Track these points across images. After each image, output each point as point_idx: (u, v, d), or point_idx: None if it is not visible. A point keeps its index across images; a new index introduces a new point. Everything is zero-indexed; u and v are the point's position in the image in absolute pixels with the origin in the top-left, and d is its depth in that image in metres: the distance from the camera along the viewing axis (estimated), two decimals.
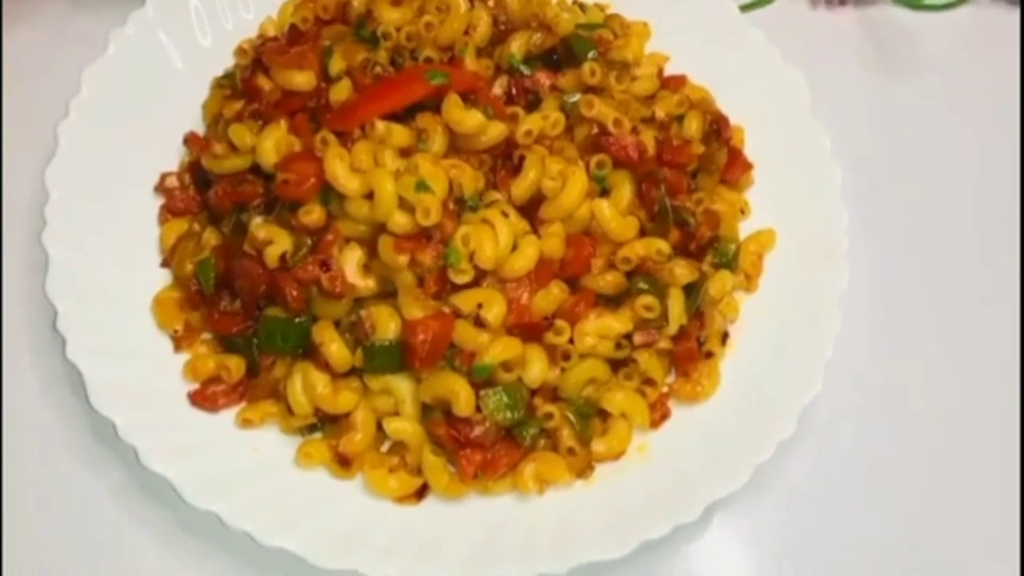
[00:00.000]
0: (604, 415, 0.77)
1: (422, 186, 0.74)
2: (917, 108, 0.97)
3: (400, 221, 0.74)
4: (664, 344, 0.78)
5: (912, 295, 0.87)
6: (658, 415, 0.77)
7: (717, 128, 0.86)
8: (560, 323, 0.75)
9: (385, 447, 0.76)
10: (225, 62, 0.90)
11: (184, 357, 0.78)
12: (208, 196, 0.81)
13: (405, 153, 0.78)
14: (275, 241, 0.75)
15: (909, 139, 0.95)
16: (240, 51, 0.90)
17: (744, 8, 1.00)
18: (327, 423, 0.75)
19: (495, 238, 0.74)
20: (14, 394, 0.80)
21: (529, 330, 0.75)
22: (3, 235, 0.86)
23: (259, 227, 0.76)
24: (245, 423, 0.75)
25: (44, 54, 0.95)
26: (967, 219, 0.92)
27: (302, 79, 0.82)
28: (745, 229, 0.86)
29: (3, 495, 0.76)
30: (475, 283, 0.75)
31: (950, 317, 0.87)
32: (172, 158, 0.86)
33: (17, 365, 0.81)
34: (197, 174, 0.84)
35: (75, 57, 0.90)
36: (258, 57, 0.84)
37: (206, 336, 0.79)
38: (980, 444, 0.81)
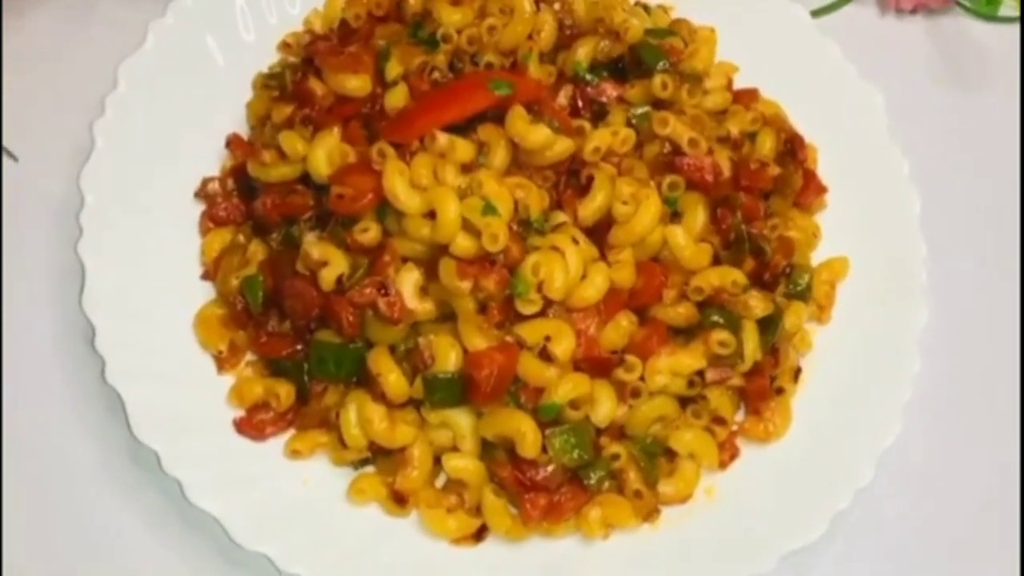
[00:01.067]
0: (670, 454, 0.73)
1: (489, 209, 0.70)
2: (991, 126, 0.93)
3: (464, 245, 0.70)
4: (736, 380, 0.74)
5: (994, 331, 0.83)
6: (727, 455, 0.74)
7: (792, 148, 0.81)
8: (631, 359, 0.71)
9: (440, 481, 0.72)
10: (269, 57, 0.84)
11: (227, 378, 0.73)
12: (254, 206, 0.76)
13: (465, 168, 0.74)
14: (331, 262, 0.71)
15: (981, 159, 0.91)
16: (284, 45, 0.85)
17: (812, 14, 0.95)
18: (380, 455, 0.71)
19: (565, 267, 0.69)
20: (43, 409, 0.75)
21: (598, 365, 0.70)
22: (31, 236, 0.81)
23: (313, 246, 0.71)
24: (294, 454, 0.71)
25: (70, 39, 0.89)
26: None
27: (357, 84, 0.77)
28: (816, 253, 0.81)
29: (35, 522, 0.72)
30: (541, 312, 0.70)
31: None
32: (213, 160, 0.81)
33: (48, 380, 0.76)
34: (241, 180, 0.79)
35: (102, 42, 0.85)
36: (309, 58, 0.79)
37: (251, 356, 0.74)
38: None
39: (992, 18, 0.98)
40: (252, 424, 0.71)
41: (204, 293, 0.76)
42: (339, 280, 0.70)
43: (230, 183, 0.79)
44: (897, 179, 0.82)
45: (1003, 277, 0.86)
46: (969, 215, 0.88)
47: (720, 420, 0.74)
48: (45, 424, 0.75)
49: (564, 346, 0.69)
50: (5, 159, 0.83)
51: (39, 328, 0.78)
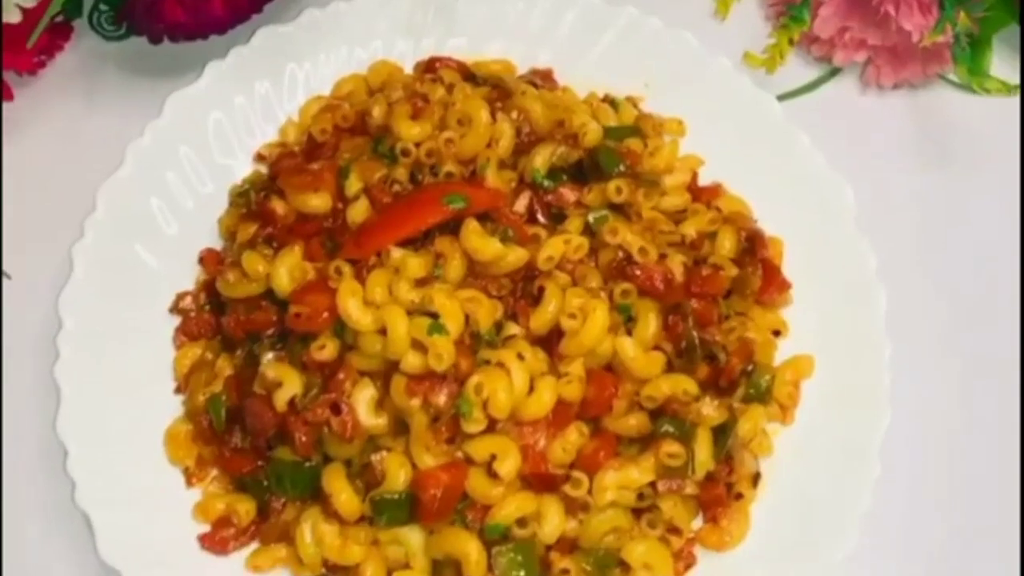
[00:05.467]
0: (624, 566, 0.73)
1: (435, 328, 0.71)
2: (976, 213, 0.90)
3: (413, 363, 0.72)
4: (690, 489, 0.74)
5: (962, 441, 0.81)
6: (682, 565, 0.74)
7: (751, 246, 0.81)
8: (577, 475, 0.71)
9: None
10: (246, 169, 0.87)
11: (195, 493, 0.76)
12: (222, 322, 0.79)
13: (422, 280, 0.76)
14: (284, 383, 0.73)
15: (965, 249, 0.89)
16: (258, 156, 0.88)
17: (788, 95, 0.95)
18: (338, 571, 0.73)
19: (509, 385, 0.71)
20: (21, 527, 0.79)
21: (545, 481, 0.71)
22: (9, 358, 0.84)
23: (269, 366, 0.74)
24: (255, 570, 0.74)
25: (58, 157, 0.92)
26: None
27: (318, 202, 0.79)
28: (782, 349, 0.81)
29: None
30: (489, 427, 0.72)
31: (1007, 470, 0.80)
32: (190, 275, 0.84)
33: (26, 498, 0.80)
34: (213, 294, 0.82)
35: (91, 160, 0.87)
36: (273, 176, 0.82)
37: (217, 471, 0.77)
38: None
39: (978, 91, 0.96)
40: (215, 540, 0.74)
41: (178, 407, 0.79)
42: (292, 400, 0.73)
43: (203, 298, 0.82)
44: (864, 275, 0.81)
45: (974, 377, 0.84)
46: (943, 308, 0.86)
47: (675, 529, 0.74)
48: (20, 539, 0.79)
49: (508, 465, 0.70)
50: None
51: (23, 444, 0.81)
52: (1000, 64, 0.97)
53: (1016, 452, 0.81)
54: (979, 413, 0.82)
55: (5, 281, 0.87)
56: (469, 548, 0.69)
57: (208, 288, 0.82)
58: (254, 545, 0.75)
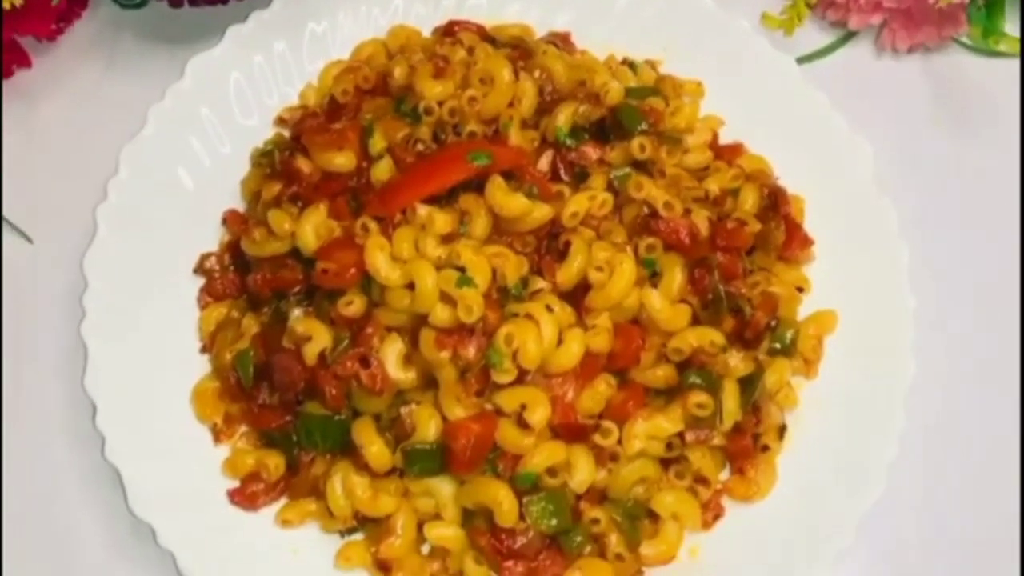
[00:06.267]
0: (653, 515, 0.74)
1: (464, 281, 0.72)
2: (992, 173, 0.91)
3: (442, 316, 0.72)
4: (718, 440, 0.74)
5: (984, 390, 0.82)
6: (711, 515, 0.74)
7: (774, 202, 0.81)
8: (607, 425, 0.72)
9: (426, 548, 0.74)
10: (266, 133, 0.87)
11: (224, 449, 0.77)
12: (248, 280, 0.80)
13: (448, 237, 0.76)
14: (314, 337, 0.73)
15: (982, 208, 0.89)
16: (279, 120, 0.88)
17: (806, 59, 0.96)
18: (368, 523, 0.74)
19: (539, 336, 0.71)
20: (50, 482, 0.80)
21: (575, 431, 0.72)
22: (45, 315, 0.85)
23: (298, 321, 0.74)
24: (284, 524, 0.74)
25: (79, 123, 0.92)
26: None
27: (342, 160, 0.79)
28: (805, 306, 0.81)
29: None
30: (519, 379, 0.72)
31: None
32: (213, 237, 0.84)
33: (55, 454, 0.80)
34: (237, 255, 0.82)
35: (110, 126, 0.88)
36: (296, 136, 0.82)
37: (245, 427, 0.77)
38: None
39: (992, 53, 0.97)
40: (245, 495, 0.74)
41: (203, 366, 0.79)
42: (322, 354, 0.73)
43: (227, 258, 0.82)
44: (886, 231, 0.81)
45: (994, 330, 0.84)
46: (964, 265, 0.87)
47: (703, 480, 0.74)
48: (51, 496, 0.79)
49: (539, 415, 0.70)
50: (21, 241, 0.88)
51: (49, 403, 0.81)
52: (1011, 28, 0.97)
53: None
54: (999, 369, 0.83)
55: (30, 245, 0.87)
56: (501, 496, 0.69)
57: (232, 248, 0.82)
58: (283, 500, 0.75)
